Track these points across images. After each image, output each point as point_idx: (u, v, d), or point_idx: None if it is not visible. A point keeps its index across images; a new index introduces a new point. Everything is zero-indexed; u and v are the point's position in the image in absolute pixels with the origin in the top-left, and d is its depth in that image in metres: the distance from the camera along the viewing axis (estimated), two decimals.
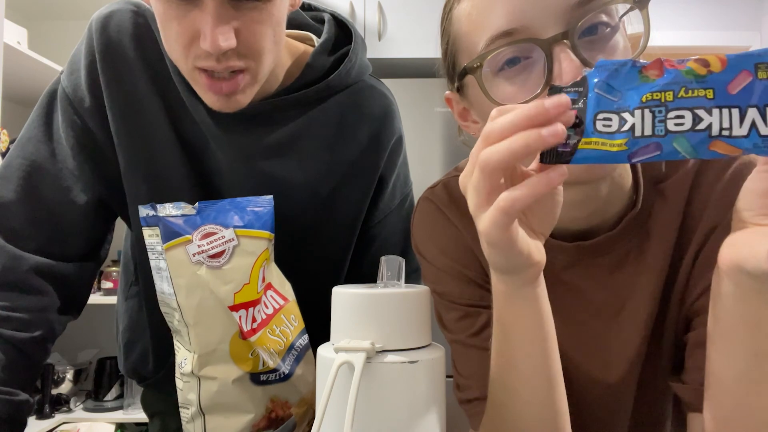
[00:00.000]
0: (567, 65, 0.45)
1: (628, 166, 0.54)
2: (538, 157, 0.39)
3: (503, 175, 0.40)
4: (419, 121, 2.44)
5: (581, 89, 0.36)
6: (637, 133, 0.35)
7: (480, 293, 0.62)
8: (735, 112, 0.33)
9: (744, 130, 0.33)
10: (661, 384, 0.61)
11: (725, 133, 0.33)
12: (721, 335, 0.42)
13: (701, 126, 0.34)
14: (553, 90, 0.37)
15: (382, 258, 0.51)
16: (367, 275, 0.79)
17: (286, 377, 0.63)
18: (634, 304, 0.58)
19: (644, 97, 0.35)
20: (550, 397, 0.50)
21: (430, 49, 2.66)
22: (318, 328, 0.68)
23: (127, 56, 0.70)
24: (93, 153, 0.72)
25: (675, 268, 0.57)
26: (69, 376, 2.28)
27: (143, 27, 0.70)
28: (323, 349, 0.49)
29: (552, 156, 0.38)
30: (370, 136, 0.76)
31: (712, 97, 0.34)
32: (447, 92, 0.61)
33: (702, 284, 0.54)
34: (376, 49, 2.63)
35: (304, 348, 0.66)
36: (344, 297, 0.48)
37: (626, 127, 0.35)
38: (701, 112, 0.34)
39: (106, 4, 0.73)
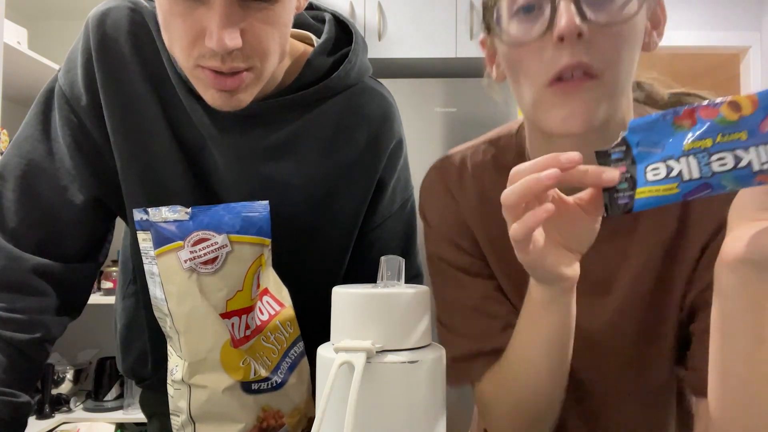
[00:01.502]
0: (564, 19, 0.51)
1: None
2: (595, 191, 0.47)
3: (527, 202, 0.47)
4: (419, 121, 2.44)
5: (624, 148, 0.43)
6: (686, 177, 0.40)
7: (470, 260, 0.69)
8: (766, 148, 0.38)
9: None
10: (661, 372, 0.63)
11: (765, 167, 0.38)
12: (726, 323, 0.45)
13: (743, 164, 0.38)
14: (600, 155, 0.45)
15: (382, 258, 0.51)
16: (365, 279, 0.78)
17: (279, 386, 0.62)
18: (627, 280, 0.62)
19: (686, 145, 0.40)
20: (561, 372, 0.59)
21: (430, 49, 2.66)
22: (316, 332, 0.68)
23: (123, 54, 0.69)
24: (90, 152, 0.72)
25: (674, 251, 0.60)
26: (69, 376, 2.28)
27: (140, 25, 0.70)
28: (323, 349, 0.49)
29: (616, 209, 0.45)
30: (369, 138, 0.75)
31: (746, 138, 0.38)
32: (481, 35, 0.69)
33: (709, 276, 0.55)
34: (376, 49, 2.63)
35: (298, 356, 0.66)
36: (344, 297, 0.48)
37: (674, 173, 0.41)
38: (740, 152, 0.38)
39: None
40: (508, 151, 0.69)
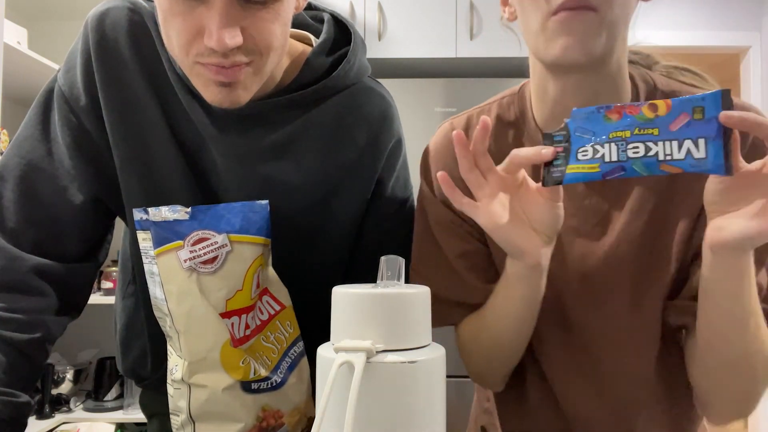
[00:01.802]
0: None
1: (626, 77, 0.66)
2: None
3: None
4: (419, 121, 2.43)
5: (565, 132, 0.52)
6: (606, 159, 0.49)
7: (461, 222, 0.73)
8: (674, 143, 0.47)
9: (682, 155, 0.46)
10: (656, 310, 0.68)
11: (668, 158, 0.47)
12: (709, 287, 0.56)
13: (651, 154, 0.48)
14: (546, 136, 0.54)
15: (382, 258, 0.51)
16: (365, 279, 0.78)
17: (279, 386, 0.62)
18: (621, 221, 0.67)
19: (611, 134, 0.49)
20: (527, 331, 0.68)
21: (430, 49, 2.66)
22: (316, 332, 0.68)
23: (122, 54, 0.69)
24: (89, 152, 0.72)
25: (668, 193, 0.66)
26: (69, 376, 2.28)
27: (139, 24, 0.70)
28: (323, 349, 0.49)
29: (550, 180, 0.54)
30: (368, 138, 0.75)
31: (657, 133, 0.48)
32: None
33: None
34: (376, 49, 2.63)
35: (298, 356, 0.66)
36: (344, 297, 0.48)
37: (598, 156, 0.50)
38: (650, 144, 0.48)
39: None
40: (511, 108, 0.73)
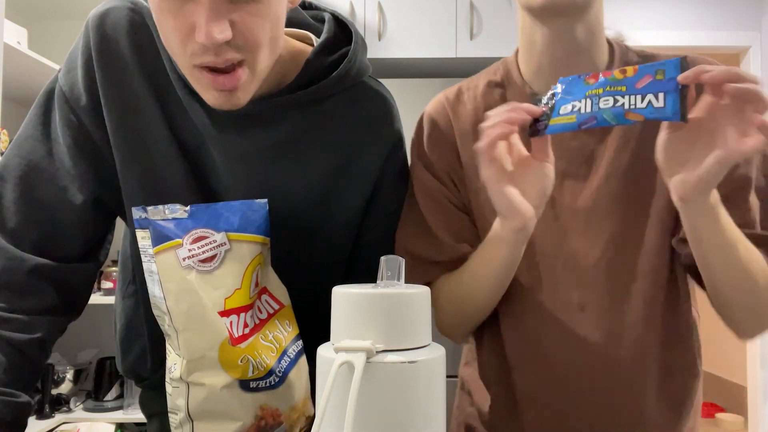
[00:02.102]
0: None
1: (603, 34, 0.74)
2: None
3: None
4: None
5: (551, 95, 0.61)
6: (581, 111, 0.58)
7: (440, 186, 0.78)
8: (638, 96, 0.55)
9: (644, 105, 0.54)
10: (652, 247, 0.71)
11: (632, 107, 0.55)
12: (694, 229, 0.63)
13: (618, 105, 0.55)
14: (534, 99, 0.62)
15: (382, 258, 0.51)
16: (365, 279, 0.78)
17: (277, 384, 0.62)
18: (606, 157, 0.72)
19: (587, 92, 0.58)
20: (501, 290, 0.73)
21: (430, 49, 2.66)
22: (316, 332, 0.68)
23: (123, 54, 0.69)
24: (90, 152, 0.72)
25: (650, 130, 0.68)
26: (69, 376, 2.28)
27: (140, 24, 0.70)
28: (323, 349, 0.49)
29: (535, 131, 0.62)
30: (368, 138, 0.75)
31: (624, 89, 0.56)
32: None
33: None
34: (376, 49, 2.63)
35: (297, 354, 0.66)
36: (344, 297, 0.48)
37: (575, 109, 0.58)
38: (618, 98, 0.56)
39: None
40: (497, 71, 0.80)
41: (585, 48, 0.71)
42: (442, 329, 0.80)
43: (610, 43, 0.76)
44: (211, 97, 0.62)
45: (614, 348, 0.71)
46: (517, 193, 0.62)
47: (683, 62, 0.54)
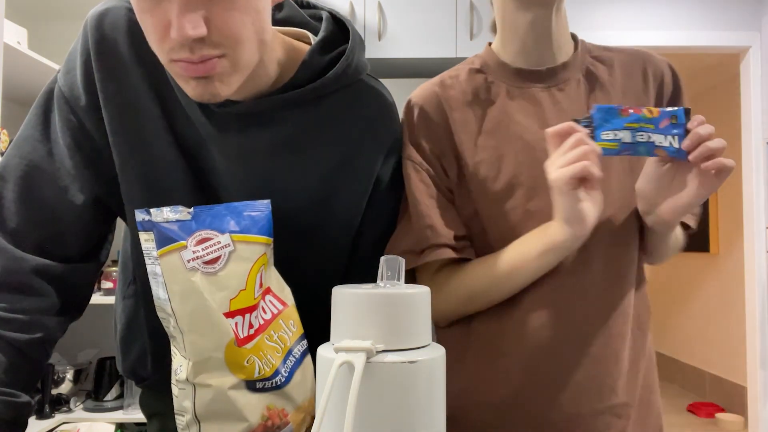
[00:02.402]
0: None
1: (567, 25, 0.85)
2: None
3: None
4: None
5: (589, 120, 0.70)
6: (623, 141, 0.70)
7: (432, 167, 0.81)
8: (662, 136, 0.69)
9: (667, 144, 0.69)
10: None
11: (659, 145, 0.69)
12: (654, 233, 0.80)
13: (650, 141, 0.70)
14: (575, 121, 0.71)
15: (382, 258, 0.51)
16: (364, 279, 0.78)
17: (283, 385, 0.62)
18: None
19: (625, 124, 0.70)
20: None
21: (430, 49, 2.66)
22: (317, 331, 0.67)
23: (121, 54, 0.69)
24: (90, 152, 0.72)
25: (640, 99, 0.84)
26: (69, 376, 2.28)
27: (138, 24, 0.69)
28: (323, 349, 0.49)
29: None
30: (366, 136, 0.75)
31: (653, 128, 0.69)
32: None
33: None
34: (376, 49, 2.63)
35: (302, 354, 0.66)
36: (344, 297, 0.48)
37: (618, 138, 0.70)
38: (650, 134, 0.70)
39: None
40: (476, 60, 0.87)
41: (558, 33, 0.83)
42: (436, 314, 0.81)
43: (573, 36, 0.88)
44: (190, 88, 0.61)
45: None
46: (587, 201, 0.69)
47: (687, 112, 0.70)
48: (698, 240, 4.56)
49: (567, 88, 0.82)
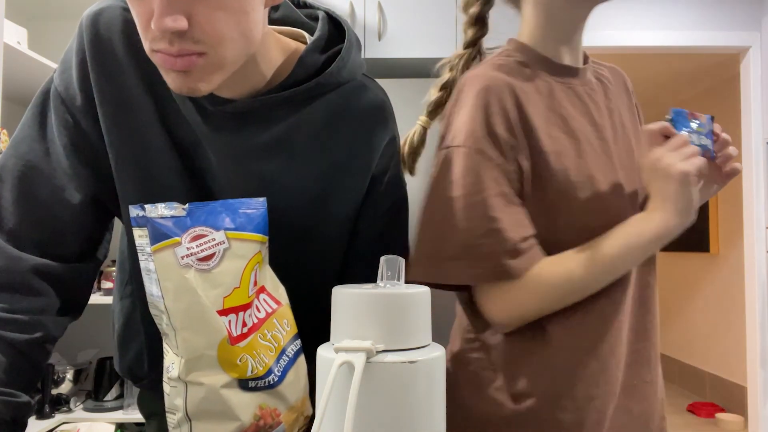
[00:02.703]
0: None
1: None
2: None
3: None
4: None
5: (672, 122, 0.78)
6: (695, 142, 0.77)
7: (506, 159, 0.77)
8: (708, 140, 0.78)
9: (712, 147, 0.79)
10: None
11: (710, 148, 0.79)
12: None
13: (708, 144, 0.78)
14: (676, 113, 0.79)
15: (382, 258, 0.51)
16: (360, 279, 0.78)
17: (276, 384, 0.61)
18: (609, 130, 0.84)
19: (696, 128, 0.78)
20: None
21: (430, 49, 2.66)
22: (313, 331, 0.67)
23: (116, 54, 0.69)
24: (86, 151, 0.72)
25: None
26: (69, 376, 2.29)
27: (133, 24, 0.69)
28: (323, 349, 0.49)
29: None
30: (362, 135, 0.75)
31: (704, 132, 0.78)
32: None
33: None
34: (376, 49, 2.63)
35: (295, 354, 0.65)
36: (344, 297, 0.48)
37: (692, 139, 0.77)
38: (707, 139, 0.79)
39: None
40: (518, 54, 0.85)
41: (583, 29, 0.87)
42: (518, 318, 0.77)
43: None
44: (170, 79, 0.61)
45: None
46: (697, 194, 0.74)
47: (712, 119, 0.80)
48: (698, 240, 4.56)
49: (594, 88, 0.86)
